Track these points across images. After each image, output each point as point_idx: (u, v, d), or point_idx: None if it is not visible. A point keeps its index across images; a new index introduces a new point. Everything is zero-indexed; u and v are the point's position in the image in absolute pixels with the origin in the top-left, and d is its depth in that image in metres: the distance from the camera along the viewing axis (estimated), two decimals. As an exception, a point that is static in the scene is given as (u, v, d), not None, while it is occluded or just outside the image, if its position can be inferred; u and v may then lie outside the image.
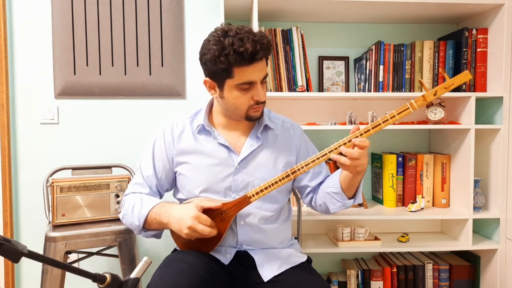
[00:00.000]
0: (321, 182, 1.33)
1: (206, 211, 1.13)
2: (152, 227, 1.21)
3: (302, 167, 1.11)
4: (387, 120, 1.06)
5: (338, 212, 1.28)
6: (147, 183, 1.28)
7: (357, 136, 1.07)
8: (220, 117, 1.27)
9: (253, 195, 1.14)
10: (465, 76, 1.01)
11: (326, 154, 1.10)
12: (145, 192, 1.27)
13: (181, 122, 1.30)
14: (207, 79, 1.17)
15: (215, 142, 1.24)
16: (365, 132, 1.07)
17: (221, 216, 1.16)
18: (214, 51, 1.08)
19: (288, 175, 1.12)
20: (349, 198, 1.22)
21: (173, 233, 1.23)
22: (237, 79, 1.11)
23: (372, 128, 1.06)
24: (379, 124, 1.06)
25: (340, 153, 1.09)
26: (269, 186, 1.13)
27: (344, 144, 1.08)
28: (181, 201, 1.29)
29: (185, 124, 1.29)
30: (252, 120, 1.22)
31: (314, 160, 1.11)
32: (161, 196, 1.33)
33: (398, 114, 1.06)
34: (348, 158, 1.07)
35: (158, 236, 1.26)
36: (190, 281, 1.02)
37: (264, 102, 1.19)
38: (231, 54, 1.06)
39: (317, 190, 1.32)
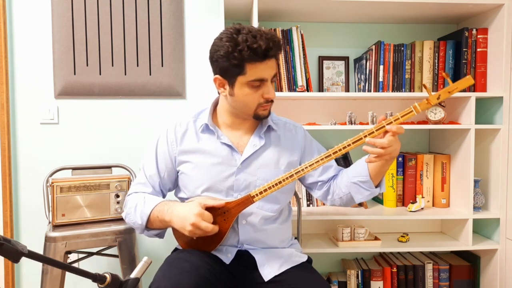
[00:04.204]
0: (334, 175, 1.33)
1: (209, 209, 1.13)
2: (155, 226, 1.21)
3: (306, 167, 1.12)
4: (391, 122, 1.07)
5: (350, 206, 1.29)
6: (150, 182, 1.28)
7: (360, 138, 1.08)
8: (225, 116, 1.27)
9: (256, 194, 1.14)
10: (467, 81, 1.03)
11: (330, 155, 1.11)
12: (148, 192, 1.27)
13: (185, 121, 1.30)
14: (218, 76, 1.18)
15: (218, 142, 1.25)
16: (369, 134, 1.08)
17: (223, 215, 1.16)
18: (228, 47, 1.10)
19: (292, 175, 1.13)
20: (375, 187, 1.22)
21: (175, 231, 1.23)
22: (249, 76, 1.13)
23: (376, 130, 1.08)
24: (383, 126, 1.07)
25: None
26: (273, 186, 1.13)
27: (349, 145, 1.09)
28: (182, 200, 1.29)
29: (189, 123, 1.29)
30: (260, 118, 1.23)
31: (318, 161, 1.12)
32: (164, 196, 1.33)
33: (402, 116, 1.07)
34: (381, 147, 1.06)
35: (161, 235, 1.26)
36: (193, 281, 1.03)
37: (272, 101, 1.20)
38: (245, 50, 1.08)
39: (333, 184, 1.31)
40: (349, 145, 1.09)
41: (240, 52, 1.08)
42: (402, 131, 1.07)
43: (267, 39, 1.09)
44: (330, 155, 1.11)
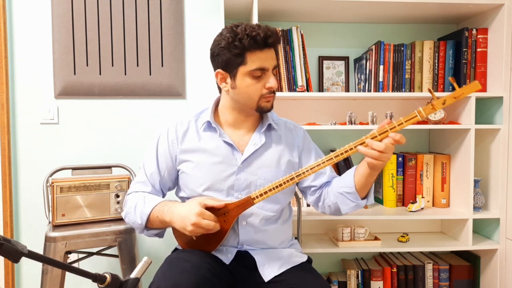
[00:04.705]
0: (327, 182, 1.32)
1: (209, 210, 1.13)
2: (155, 226, 1.21)
3: (307, 170, 1.12)
4: (395, 127, 1.05)
5: (349, 213, 1.27)
6: (150, 181, 1.28)
7: (363, 142, 1.07)
8: (227, 114, 1.27)
9: (256, 196, 1.14)
10: (474, 86, 1.01)
11: (332, 158, 1.10)
12: (148, 191, 1.27)
13: (186, 120, 1.30)
14: (219, 70, 1.19)
15: (220, 140, 1.24)
16: (372, 138, 1.07)
17: (223, 217, 1.16)
18: (228, 38, 1.13)
19: (293, 178, 1.12)
20: (362, 198, 1.22)
21: (175, 231, 1.23)
22: (250, 65, 1.14)
23: (379, 134, 1.07)
24: (386, 131, 1.06)
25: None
26: (273, 188, 1.13)
27: (351, 149, 1.08)
28: (183, 199, 1.29)
29: (190, 122, 1.30)
30: (263, 111, 1.22)
31: (319, 164, 1.11)
32: (163, 195, 1.33)
33: (406, 121, 1.05)
34: (378, 151, 1.05)
35: (160, 235, 1.26)
36: (193, 281, 1.03)
37: (275, 93, 1.21)
38: (245, 38, 1.11)
39: (325, 191, 1.31)
40: (351, 148, 1.08)
41: (240, 41, 1.11)
42: (404, 142, 1.06)
43: (265, 29, 1.13)
44: (331, 158, 1.10)
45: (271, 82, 1.17)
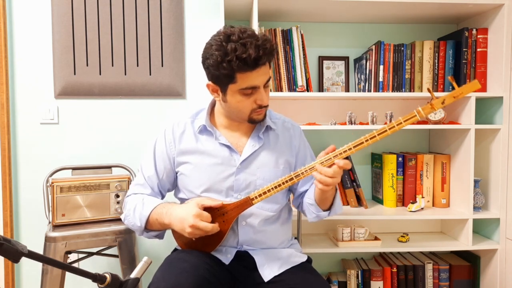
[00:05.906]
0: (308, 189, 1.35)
1: (207, 210, 1.13)
2: (154, 228, 1.21)
3: (306, 171, 1.12)
4: (394, 127, 1.06)
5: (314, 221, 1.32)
6: (148, 183, 1.28)
7: (362, 142, 1.08)
8: (222, 118, 1.27)
9: (255, 197, 1.14)
10: (474, 85, 1.01)
11: (330, 158, 1.10)
12: (147, 193, 1.27)
13: (182, 122, 1.30)
14: (210, 83, 1.17)
15: (216, 142, 1.24)
16: (370, 138, 1.07)
17: (223, 217, 1.16)
18: (217, 56, 1.07)
19: (292, 178, 1.13)
20: (325, 210, 1.24)
21: (174, 232, 1.23)
22: (240, 84, 1.11)
23: (378, 134, 1.07)
24: (385, 130, 1.06)
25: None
26: (272, 188, 1.13)
27: (349, 149, 1.08)
28: (182, 200, 1.29)
29: (186, 124, 1.29)
30: (255, 122, 1.22)
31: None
32: (162, 197, 1.33)
33: (405, 121, 1.05)
34: (325, 175, 1.08)
35: (160, 236, 1.26)
36: (192, 281, 1.03)
37: (267, 106, 1.19)
38: (234, 60, 1.05)
39: (304, 196, 1.34)
40: (350, 149, 1.08)
41: (229, 63, 1.06)
42: (349, 167, 1.08)
43: (257, 47, 1.05)
44: (330, 158, 1.10)
45: (263, 99, 1.15)
